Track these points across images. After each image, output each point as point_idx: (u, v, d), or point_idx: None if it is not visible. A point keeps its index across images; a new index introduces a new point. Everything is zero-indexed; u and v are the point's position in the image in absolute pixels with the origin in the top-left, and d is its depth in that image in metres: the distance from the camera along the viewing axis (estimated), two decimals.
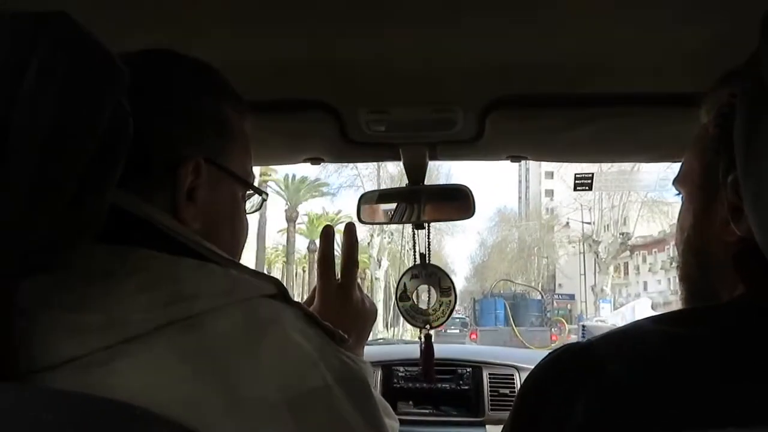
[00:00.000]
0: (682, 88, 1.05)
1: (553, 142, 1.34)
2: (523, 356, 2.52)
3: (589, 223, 28.78)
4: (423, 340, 1.47)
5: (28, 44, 0.46)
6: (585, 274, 31.25)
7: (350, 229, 0.90)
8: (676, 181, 0.68)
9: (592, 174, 1.71)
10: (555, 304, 27.91)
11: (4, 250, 0.45)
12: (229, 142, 0.71)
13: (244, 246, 0.77)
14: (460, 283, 50.91)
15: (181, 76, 0.70)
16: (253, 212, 0.81)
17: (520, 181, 56.41)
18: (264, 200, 0.81)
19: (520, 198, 55.20)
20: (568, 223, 35.72)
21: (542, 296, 25.09)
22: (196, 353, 0.52)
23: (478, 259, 47.03)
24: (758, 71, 0.45)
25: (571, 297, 31.13)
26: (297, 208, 31.67)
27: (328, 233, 0.91)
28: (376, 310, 0.93)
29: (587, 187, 1.72)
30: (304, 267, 36.95)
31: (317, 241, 0.90)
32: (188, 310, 0.53)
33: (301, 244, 35.25)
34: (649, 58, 0.97)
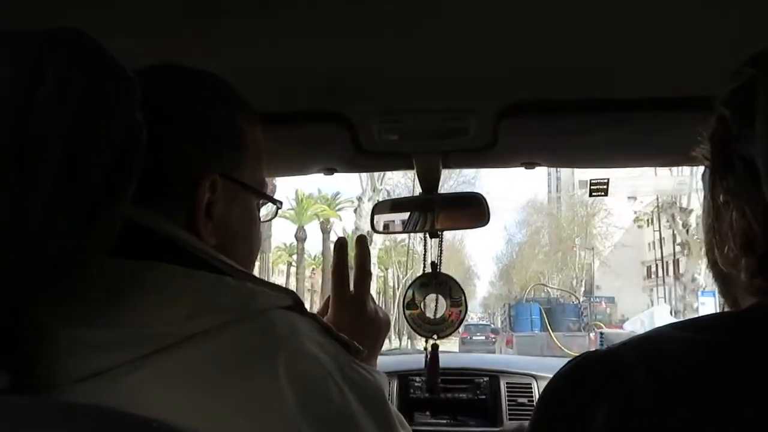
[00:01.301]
0: (697, 92, 1.03)
1: (566, 147, 1.33)
2: (541, 365, 2.50)
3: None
4: (429, 350, 1.45)
5: (44, 59, 0.46)
6: (662, 260, 27.88)
7: (362, 241, 0.91)
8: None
9: (608, 179, 1.69)
10: (592, 307, 24.51)
11: (21, 262, 0.45)
12: (243, 154, 0.72)
13: (257, 254, 0.78)
14: (484, 288, 47.99)
15: (196, 91, 0.70)
16: (269, 220, 0.82)
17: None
18: (278, 209, 0.82)
19: (549, 186, 48.35)
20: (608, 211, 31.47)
21: (578, 300, 24.80)
22: (216, 366, 0.53)
23: (504, 258, 42.25)
24: None
25: (610, 300, 27.93)
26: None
27: (341, 245, 0.91)
28: (389, 321, 0.94)
29: (603, 193, 1.71)
30: (290, 261, 34.34)
31: (306, 228, 0.89)
32: (207, 324, 0.54)
33: (287, 231, 31.36)
34: (664, 62, 0.97)
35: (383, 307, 0.94)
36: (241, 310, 0.57)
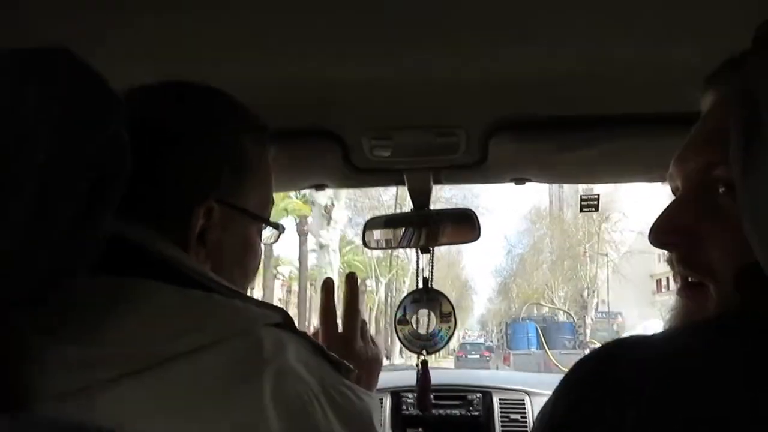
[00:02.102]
0: (686, 107, 1.04)
1: (557, 163, 1.34)
2: (534, 381, 2.50)
3: None
4: (419, 366, 1.45)
5: (26, 78, 0.46)
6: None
7: (351, 279, 0.90)
8: None
9: (598, 195, 1.70)
10: (592, 324, 23.65)
11: (4, 279, 0.45)
12: (245, 177, 0.70)
13: (254, 277, 0.77)
14: (482, 305, 45.82)
15: (197, 110, 0.69)
16: (271, 243, 0.82)
17: None
18: (280, 234, 0.81)
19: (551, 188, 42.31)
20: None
21: (573, 318, 24.70)
22: (200, 386, 0.52)
23: (504, 272, 38.71)
24: (747, 80, 0.44)
25: (614, 315, 25.19)
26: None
27: (329, 286, 0.90)
28: (381, 359, 0.92)
29: (594, 209, 1.72)
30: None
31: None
32: (193, 344, 0.54)
33: None
34: (656, 78, 0.98)
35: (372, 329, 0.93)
36: (228, 328, 0.57)
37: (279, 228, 0.79)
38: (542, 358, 14.95)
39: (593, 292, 27.32)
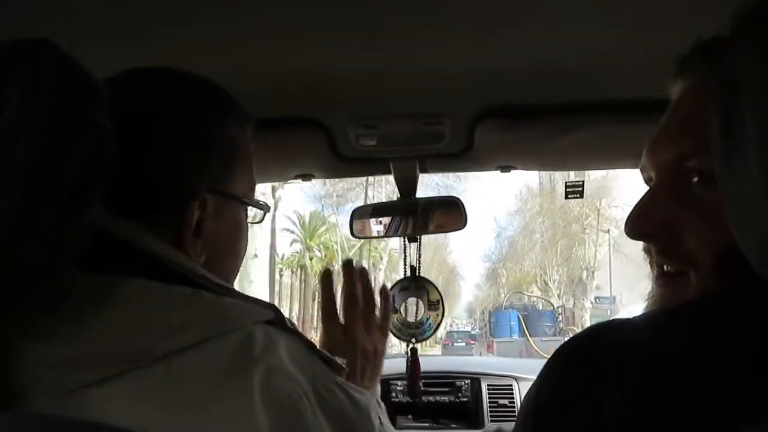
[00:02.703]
0: (667, 94, 1.05)
1: (542, 151, 1.35)
2: (521, 366, 2.52)
3: None
4: (409, 354, 1.46)
5: (8, 71, 0.46)
6: None
7: (349, 267, 0.88)
8: None
9: (583, 182, 1.71)
10: (592, 309, 21.67)
11: None
12: (233, 163, 0.70)
13: (243, 258, 0.77)
14: (470, 292, 44.64)
15: (181, 97, 0.68)
16: (256, 222, 0.81)
17: None
18: (266, 213, 0.81)
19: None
20: None
21: (553, 306, 24.85)
22: (189, 385, 0.52)
23: (494, 256, 35.75)
24: (726, 62, 0.44)
25: (611, 300, 22.90)
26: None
27: (328, 277, 0.89)
28: (384, 350, 0.91)
29: (578, 195, 1.73)
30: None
31: None
32: (182, 342, 0.53)
33: None
34: (639, 63, 0.98)
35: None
36: (217, 326, 0.56)
37: (265, 208, 0.79)
38: (524, 345, 15.27)
39: (592, 273, 24.07)
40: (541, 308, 24.65)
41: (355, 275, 0.87)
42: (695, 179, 0.55)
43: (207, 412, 0.51)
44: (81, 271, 0.55)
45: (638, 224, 0.60)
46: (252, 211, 0.78)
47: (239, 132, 0.72)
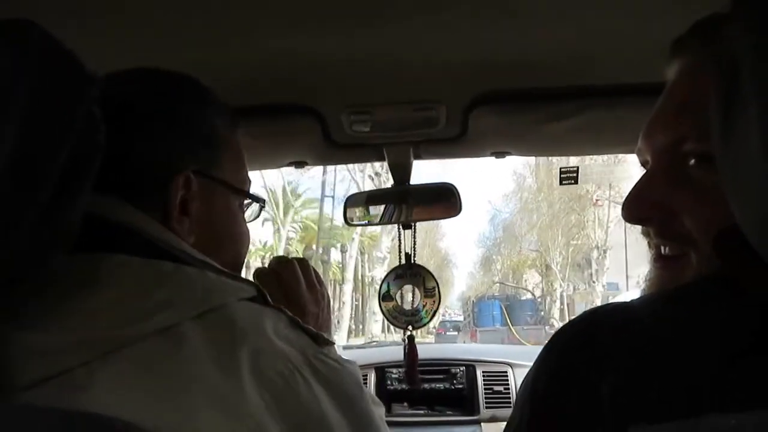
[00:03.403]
0: (663, 78, 1.05)
1: (536, 136, 1.34)
2: (517, 353, 2.53)
3: None
4: (406, 341, 1.46)
5: None
6: None
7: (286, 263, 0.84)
8: None
9: (577, 167, 1.71)
10: (603, 293, 19.24)
11: None
12: (219, 152, 0.71)
13: (246, 255, 0.76)
14: (463, 281, 43.20)
15: (169, 91, 0.69)
16: (253, 220, 0.81)
17: None
18: (262, 207, 0.80)
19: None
20: None
21: (534, 296, 25.27)
22: (176, 364, 0.51)
23: (488, 241, 33.19)
24: (728, 42, 0.44)
25: (613, 286, 20.95)
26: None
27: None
28: (329, 299, 0.88)
29: (573, 181, 1.72)
30: None
31: None
32: (165, 322, 0.53)
33: None
34: (629, 49, 0.97)
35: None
36: (200, 303, 0.56)
37: (260, 201, 0.79)
38: (506, 334, 16.02)
39: (604, 252, 20.75)
40: (523, 298, 25.29)
41: (284, 259, 0.84)
42: (692, 162, 0.55)
43: (196, 393, 0.50)
44: (71, 252, 0.54)
45: (635, 208, 0.60)
46: (249, 210, 0.78)
47: (225, 126, 0.73)
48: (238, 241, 0.74)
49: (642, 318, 0.50)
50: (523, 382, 0.55)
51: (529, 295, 25.48)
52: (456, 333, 23.51)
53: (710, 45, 0.54)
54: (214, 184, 0.69)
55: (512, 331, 15.46)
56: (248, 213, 0.78)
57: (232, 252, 0.72)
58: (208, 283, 0.58)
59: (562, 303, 22.99)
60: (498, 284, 28.86)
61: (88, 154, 0.51)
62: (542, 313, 22.43)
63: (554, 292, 23.91)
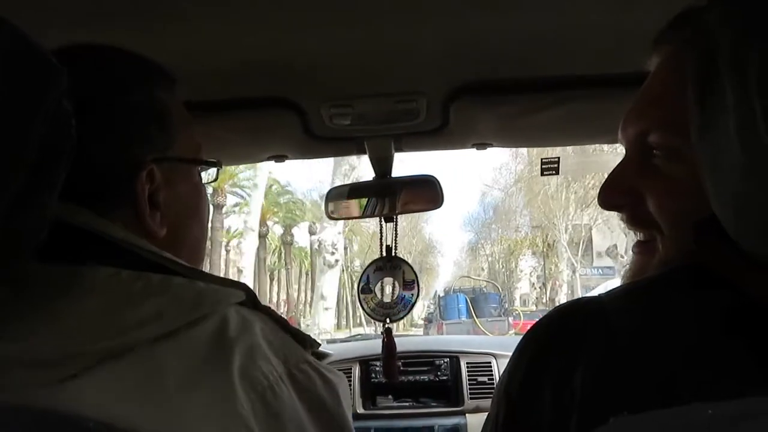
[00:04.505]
0: (646, 68, 1.05)
1: (517, 127, 1.34)
2: (500, 343, 2.54)
3: None
4: (384, 334, 1.46)
5: None
6: None
7: None
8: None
9: (558, 158, 1.71)
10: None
11: None
12: (171, 128, 0.68)
13: (209, 219, 0.76)
14: (448, 270, 41.79)
15: (102, 73, 0.65)
16: (211, 182, 0.80)
17: None
18: (219, 168, 0.79)
19: None
20: None
21: (500, 289, 25.60)
22: (166, 373, 0.51)
23: (478, 222, 31.49)
24: (707, 29, 0.44)
25: (609, 271, 19.88)
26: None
27: None
28: None
29: (554, 171, 1.73)
30: None
31: None
32: (156, 331, 0.52)
33: None
34: (612, 39, 0.97)
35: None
36: (191, 313, 0.55)
37: (217, 164, 0.78)
38: (471, 326, 16.40)
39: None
40: (487, 291, 25.75)
41: None
42: (656, 152, 0.59)
43: (188, 400, 0.50)
44: (39, 261, 0.53)
45: (608, 195, 0.64)
46: (204, 176, 0.76)
47: (169, 97, 0.70)
48: (203, 219, 0.73)
49: (615, 310, 0.52)
50: (499, 379, 0.57)
51: (494, 289, 26.09)
52: (430, 324, 23.90)
53: (688, 37, 0.55)
54: (173, 164, 0.67)
55: (477, 324, 15.94)
56: (205, 176, 0.76)
57: (197, 233, 0.71)
58: (197, 292, 0.57)
59: (570, 289, 21.37)
60: (464, 278, 28.84)
61: (58, 147, 0.49)
62: (506, 305, 22.98)
63: (560, 274, 21.51)
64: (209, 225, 0.75)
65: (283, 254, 29.91)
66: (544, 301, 23.28)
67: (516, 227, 26.54)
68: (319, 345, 0.68)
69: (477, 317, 17.40)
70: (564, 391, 0.48)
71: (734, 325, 0.46)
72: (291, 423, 0.57)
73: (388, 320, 1.47)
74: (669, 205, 0.58)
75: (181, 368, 0.52)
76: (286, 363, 0.59)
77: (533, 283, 26.00)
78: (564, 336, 0.53)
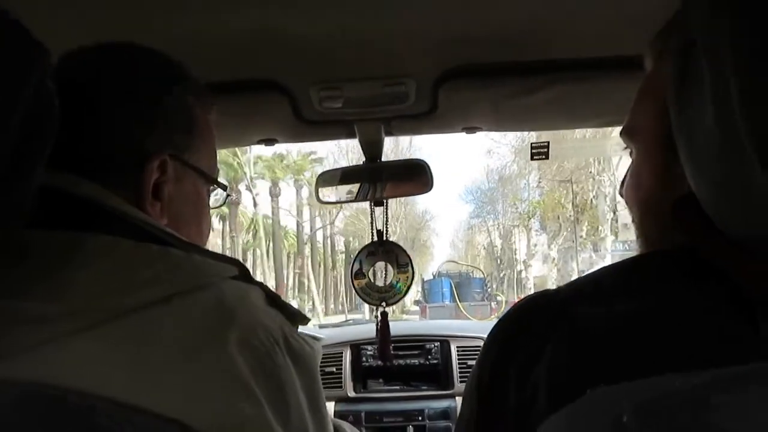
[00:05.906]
0: (636, 51, 1.05)
1: (507, 111, 1.34)
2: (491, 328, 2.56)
3: None
4: (379, 318, 1.47)
5: None
6: None
7: None
8: (628, 135, 0.66)
9: (548, 143, 1.72)
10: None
11: None
12: (195, 137, 0.71)
13: (208, 239, 0.78)
14: (444, 251, 41.46)
15: (146, 70, 0.69)
16: (218, 207, 0.82)
17: None
18: (228, 195, 0.82)
19: None
20: None
21: (483, 274, 26.31)
22: (163, 339, 0.52)
23: (479, 195, 29.83)
24: (686, 21, 0.45)
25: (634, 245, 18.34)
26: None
27: None
28: None
29: (544, 156, 1.73)
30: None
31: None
32: (153, 296, 0.54)
33: None
34: (601, 22, 0.97)
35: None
36: (187, 281, 0.57)
37: (226, 189, 0.80)
38: (454, 310, 16.99)
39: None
40: (472, 276, 26.22)
41: None
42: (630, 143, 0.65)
43: (186, 366, 0.51)
44: (44, 229, 0.55)
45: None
46: (212, 198, 0.78)
47: (201, 109, 0.73)
48: (203, 225, 0.75)
49: (585, 299, 0.53)
50: (470, 373, 0.60)
51: (479, 274, 26.27)
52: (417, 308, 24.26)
53: (672, 33, 0.57)
54: (187, 169, 0.70)
55: (460, 308, 16.35)
56: (212, 200, 0.79)
57: (196, 236, 0.73)
58: (194, 263, 0.59)
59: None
60: (449, 262, 29.03)
61: (42, 125, 0.50)
62: (489, 290, 23.69)
63: (601, 242, 16.24)
64: (207, 236, 0.77)
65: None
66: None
67: (520, 198, 23.16)
68: (309, 319, 0.70)
69: (460, 301, 18.00)
70: (526, 382, 0.50)
71: (708, 302, 0.47)
72: (288, 386, 0.59)
73: (383, 304, 1.48)
74: (630, 189, 0.64)
75: (179, 336, 0.53)
76: (282, 329, 0.61)
77: (554, 259, 20.52)
78: (527, 330, 0.55)
